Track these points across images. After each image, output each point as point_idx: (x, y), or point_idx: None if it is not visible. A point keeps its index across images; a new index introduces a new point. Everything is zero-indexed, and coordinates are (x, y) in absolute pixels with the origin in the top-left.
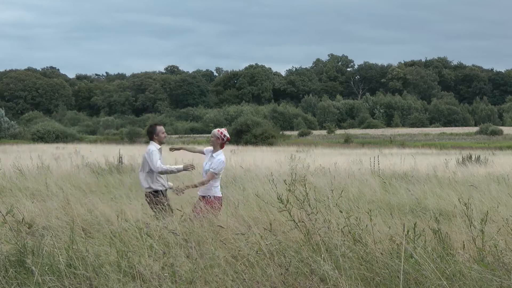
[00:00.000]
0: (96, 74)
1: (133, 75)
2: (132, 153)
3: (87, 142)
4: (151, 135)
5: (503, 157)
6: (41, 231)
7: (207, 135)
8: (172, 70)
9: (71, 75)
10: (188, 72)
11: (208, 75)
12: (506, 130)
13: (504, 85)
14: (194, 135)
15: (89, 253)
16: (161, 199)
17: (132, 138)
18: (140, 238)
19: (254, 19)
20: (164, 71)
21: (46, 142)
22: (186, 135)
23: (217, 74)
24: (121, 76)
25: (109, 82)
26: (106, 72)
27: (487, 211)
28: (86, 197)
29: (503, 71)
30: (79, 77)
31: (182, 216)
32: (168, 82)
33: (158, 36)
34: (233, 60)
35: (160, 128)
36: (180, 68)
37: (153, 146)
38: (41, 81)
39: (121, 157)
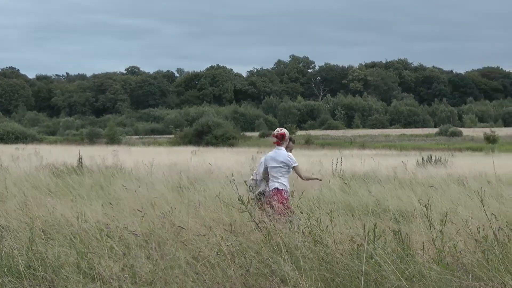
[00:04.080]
0: (57, 75)
1: (94, 76)
2: (92, 154)
3: (47, 143)
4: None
5: (463, 158)
6: (0, 232)
7: (168, 136)
8: (133, 71)
9: (32, 75)
10: (149, 73)
11: (169, 76)
12: (466, 131)
13: (463, 86)
14: (155, 136)
15: (48, 254)
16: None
17: (92, 139)
18: (101, 239)
19: (216, 21)
20: (125, 72)
21: (6, 143)
22: (146, 136)
23: (178, 75)
24: (81, 77)
25: (70, 83)
26: (67, 73)
27: (447, 212)
28: (45, 198)
29: (462, 72)
30: (39, 78)
31: (143, 217)
32: (129, 83)
33: (120, 37)
34: (195, 61)
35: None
36: (142, 69)
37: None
38: (0, 81)
39: (81, 158)
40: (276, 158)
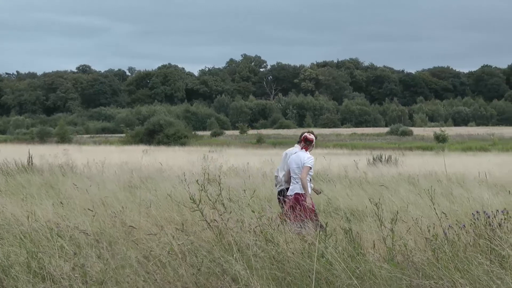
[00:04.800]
0: (7, 73)
1: (44, 74)
2: (42, 152)
3: None
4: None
5: (413, 157)
6: None
7: (119, 135)
8: (84, 69)
9: None
10: (100, 71)
11: (120, 74)
12: (416, 130)
13: (414, 86)
14: (106, 135)
15: None
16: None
17: (43, 138)
18: (51, 239)
19: (169, 19)
20: (76, 71)
21: None
22: (97, 135)
23: (129, 74)
24: (32, 75)
25: (20, 81)
26: (17, 71)
27: (397, 211)
28: None
29: (413, 72)
30: None
31: (94, 216)
32: (80, 82)
33: (72, 35)
34: (147, 60)
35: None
36: (93, 67)
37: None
38: None
39: (31, 157)
40: (297, 161)
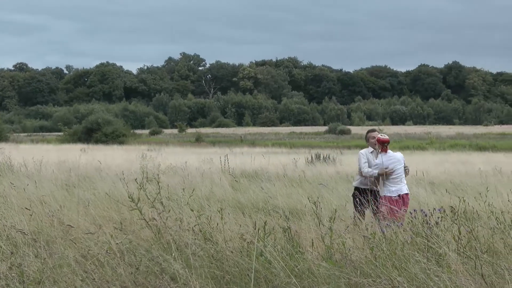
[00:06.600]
0: None
1: None
2: None
3: None
4: (366, 140)
5: (351, 156)
6: None
7: (57, 133)
8: (21, 67)
9: None
10: (37, 69)
11: (58, 72)
12: (354, 129)
13: (352, 85)
14: (43, 133)
15: None
16: (363, 197)
17: None
18: None
19: (108, 17)
20: (12, 69)
21: None
22: (35, 134)
23: (67, 72)
24: None
25: None
26: None
27: (336, 210)
28: None
29: (351, 71)
30: None
31: (31, 215)
32: (17, 80)
33: (8, 33)
34: (85, 58)
35: (370, 134)
36: (30, 65)
37: (363, 150)
38: None
39: None
40: (400, 159)
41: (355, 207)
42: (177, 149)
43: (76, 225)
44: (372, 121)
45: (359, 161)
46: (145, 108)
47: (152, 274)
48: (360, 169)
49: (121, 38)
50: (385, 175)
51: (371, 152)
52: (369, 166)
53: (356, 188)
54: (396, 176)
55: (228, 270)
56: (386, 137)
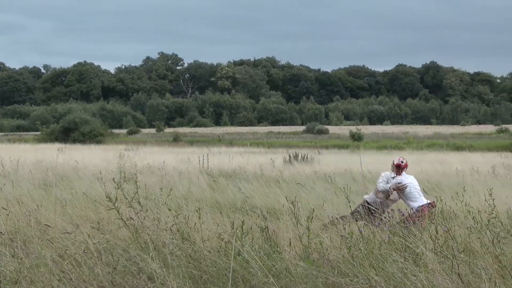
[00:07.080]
0: None
1: None
2: None
3: None
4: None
5: (329, 155)
6: None
7: (34, 133)
8: None
9: None
10: (14, 69)
11: (35, 72)
12: (332, 129)
13: (330, 85)
14: (21, 133)
15: None
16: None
17: None
18: None
19: (85, 17)
20: None
21: None
22: (12, 133)
23: (45, 71)
24: None
25: None
26: None
27: (313, 209)
28: None
29: (329, 71)
30: None
31: (8, 215)
32: None
33: None
34: (62, 57)
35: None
36: (7, 65)
37: (386, 172)
38: None
39: None
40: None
41: (352, 212)
42: (155, 149)
43: (53, 224)
44: (350, 121)
45: (378, 179)
46: (123, 108)
47: (129, 274)
48: (376, 188)
49: (99, 38)
50: (398, 191)
51: (393, 177)
52: None
53: (365, 201)
54: (410, 192)
55: (205, 269)
56: (401, 161)
